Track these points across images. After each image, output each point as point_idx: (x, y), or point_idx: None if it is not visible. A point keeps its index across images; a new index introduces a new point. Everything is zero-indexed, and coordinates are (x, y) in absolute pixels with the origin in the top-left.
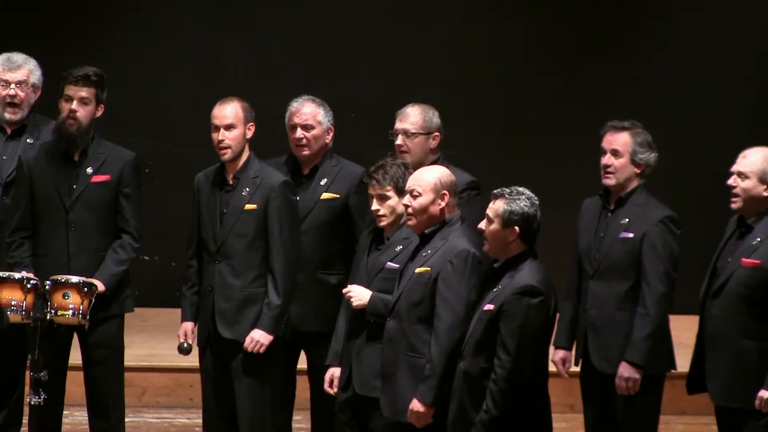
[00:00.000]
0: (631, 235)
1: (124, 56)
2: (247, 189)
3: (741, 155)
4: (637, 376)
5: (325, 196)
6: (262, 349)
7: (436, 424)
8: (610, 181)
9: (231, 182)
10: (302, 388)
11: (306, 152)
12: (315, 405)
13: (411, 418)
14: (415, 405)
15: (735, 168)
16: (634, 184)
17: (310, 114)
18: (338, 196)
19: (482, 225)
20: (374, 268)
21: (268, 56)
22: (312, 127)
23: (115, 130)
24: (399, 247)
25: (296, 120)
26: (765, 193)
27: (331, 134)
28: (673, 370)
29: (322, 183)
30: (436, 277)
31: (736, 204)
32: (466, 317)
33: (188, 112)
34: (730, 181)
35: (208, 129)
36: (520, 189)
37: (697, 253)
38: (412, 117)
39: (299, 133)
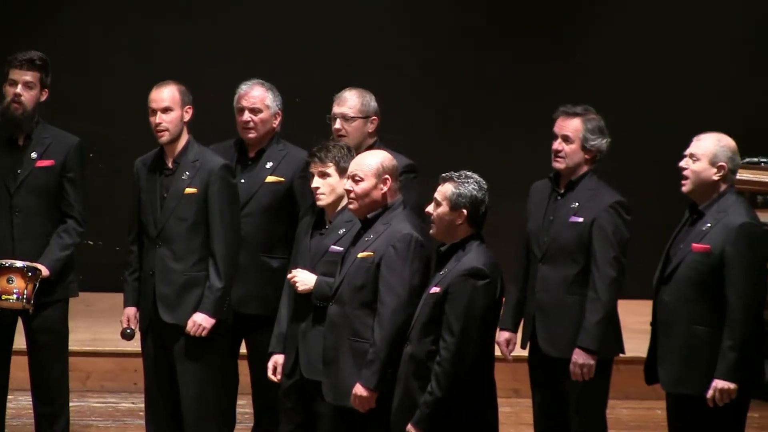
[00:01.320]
0: (580, 219)
1: (68, 41)
2: (187, 173)
3: (695, 138)
4: (591, 362)
5: (269, 179)
6: (204, 333)
7: (379, 408)
8: (559, 165)
9: (170, 166)
10: (244, 372)
11: (252, 135)
12: (256, 389)
13: (354, 402)
14: (359, 389)
15: (688, 150)
16: (584, 169)
17: (258, 98)
18: (283, 179)
19: (429, 208)
20: (318, 252)
21: (210, 41)
22: (260, 111)
23: (59, 115)
24: (342, 230)
25: (244, 103)
26: (715, 177)
27: (279, 119)
28: (621, 354)
29: (268, 166)
30: (379, 261)
31: (685, 187)
32: (410, 301)
33: (132, 97)
34: (682, 163)
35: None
36: (469, 173)
37: (643, 238)
38: (350, 101)
39: (247, 116)
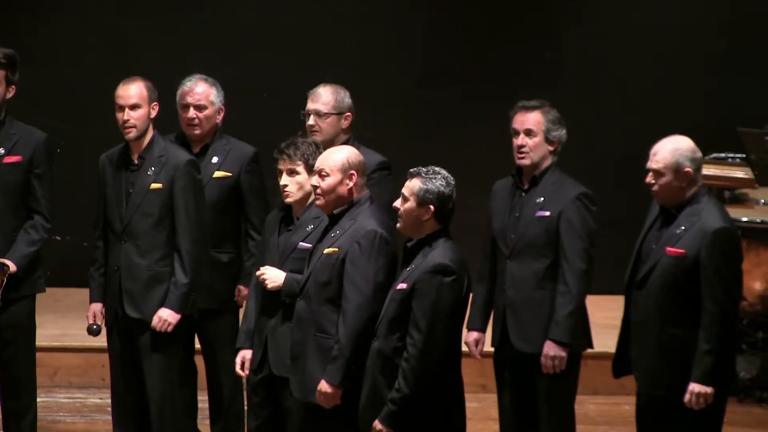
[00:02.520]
0: (547, 213)
1: (35, 37)
2: (153, 168)
3: (652, 152)
4: (563, 354)
5: (217, 174)
6: (169, 328)
7: (347, 404)
8: (525, 161)
9: (136, 162)
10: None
11: (197, 132)
12: (211, 382)
13: (319, 398)
14: (323, 386)
15: (649, 165)
16: (548, 162)
17: (203, 94)
18: (230, 174)
19: (397, 203)
20: (286, 249)
21: (178, 36)
22: (204, 108)
23: (27, 110)
24: (310, 227)
25: (189, 100)
26: (683, 185)
27: (222, 114)
28: (589, 349)
29: (214, 161)
30: (344, 257)
31: (658, 199)
32: (374, 298)
33: (99, 93)
34: (648, 180)
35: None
36: (437, 169)
37: (609, 233)
38: (324, 97)
39: (191, 113)
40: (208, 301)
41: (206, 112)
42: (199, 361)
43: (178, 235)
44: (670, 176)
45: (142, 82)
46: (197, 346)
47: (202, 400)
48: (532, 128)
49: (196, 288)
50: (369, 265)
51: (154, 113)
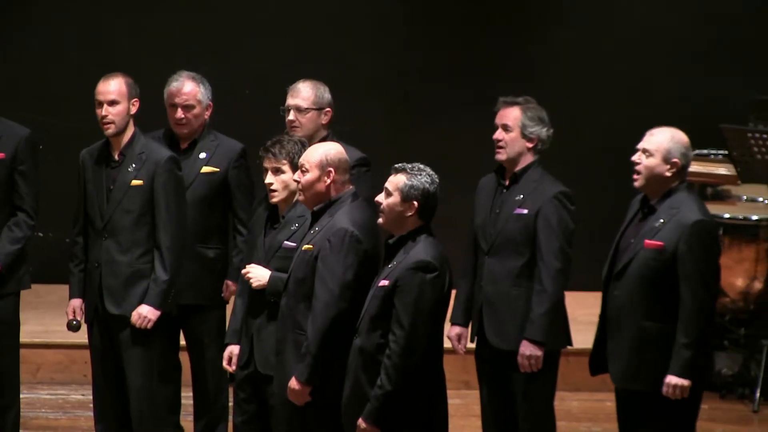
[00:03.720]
0: (525, 211)
1: (17, 32)
2: (134, 165)
3: (648, 133)
4: (539, 353)
5: (205, 169)
6: (149, 325)
7: (328, 401)
8: (501, 156)
9: (117, 158)
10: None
11: (186, 130)
12: (195, 378)
13: (290, 395)
14: (292, 383)
15: (641, 145)
16: (528, 159)
17: (190, 94)
18: (218, 169)
19: (380, 197)
20: (272, 247)
21: (160, 31)
22: (192, 107)
23: (8, 106)
24: (295, 225)
25: (177, 100)
26: (668, 173)
27: (210, 110)
28: (568, 347)
29: (202, 157)
30: (318, 255)
31: (638, 182)
32: (342, 296)
33: (81, 88)
34: (635, 158)
35: None
36: (421, 166)
37: (591, 229)
38: (304, 92)
39: (180, 113)
40: (194, 297)
41: (194, 111)
42: (185, 357)
43: (158, 231)
44: (659, 160)
45: (122, 78)
46: (183, 342)
47: (187, 397)
48: (508, 123)
49: (176, 285)
50: (338, 263)
51: (134, 109)
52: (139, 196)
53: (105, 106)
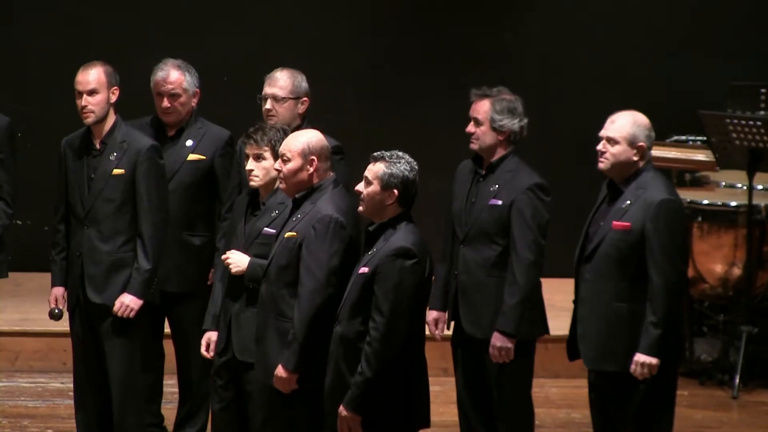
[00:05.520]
0: (499, 202)
1: None
2: (115, 154)
3: (609, 120)
4: (509, 345)
5: (191, 157)
6: (132, 314)
7: (308, 388)
8: (474, 146)
9: (98, 147)
10: (170, 351)
11: (173, 119)
12: (180, 366)
13: (276, 383)
14: (279, 371)
15: (603, 133)
16: (503, 150)
17: (176, 82)
18: (204, 157)
19: (359, 186)
20: (251, 234)
21: (137, 19)
22: (179, 96)
23: None
24: (275, 212)
25: (162, 89)
26: (634, 158)
27: (197, 98)
28: (546, 335)
29: (188, 144)
30: (302, 242)
31: (603, 165)
32: (327, 283)
33: (59, 76)
34: (600, 147)
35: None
36: (400, 153)
37: (569, 217)
38: (281, 81)
39: (166, 102)
40: (180, 285)
41: (180, 99)
42: (168, 346)
43: (140, 220)
44: (624, 146)
45: (101, 67)
46: (167, 330)
47: (168, 384)
48: (479, 117)
49: (158, 273)
50: (323, 250)
51: (114, 98)
52: (121, 184)
53: (84, 96)
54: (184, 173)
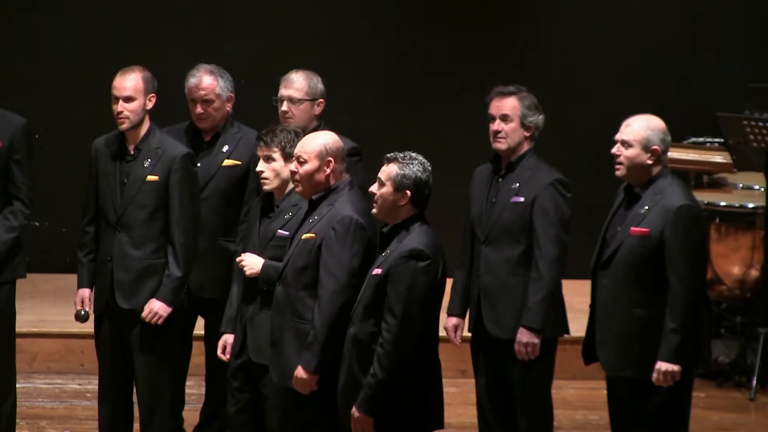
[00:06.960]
0: (521, 199)
1: (10, 21)
2: (149, 160)
3: (624, 123)
4: (536, 340)
5: (227, 162)
6: (160, 321)
7: (323, 390)
8: (501, 145)
9: (132, 152)
10: (196, 353)
11: (207, 125)
12: (210, 372)
13: (296, 385)
14: (299, 372)
15: (618, 136)
16: (525, 147)
17: (209, 88)
18: (240, 163)
19: (373, 188)
20: (266, 236)
21: (157, 21)
22: (212, 101)
23: (4, 95)
24: (289, 214)
25: (195, 96)
26: (649, 161)
27: (232, 102)
28: (566, 335)
29: (224, 150)
30: (321, 243)
31: (619, 171)
32: (349, 284)
33: (77, 78)
34: (614, 150)
35: (96, 94)
36: (413, 154)
37: (586, 218)
38: (297, 83)
39: (200, 108)
40: (216, 291)
41: (214, 105)
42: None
43: (172, 228)
44: (639, 149)
45: (140, 74)
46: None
47: (189, 386)
48: (508, 113)
49: (192, 280)
50: (344, 251)
51: (150, 105)
52: (154, 191)
53: (120, 101)
54: (219, 179)
